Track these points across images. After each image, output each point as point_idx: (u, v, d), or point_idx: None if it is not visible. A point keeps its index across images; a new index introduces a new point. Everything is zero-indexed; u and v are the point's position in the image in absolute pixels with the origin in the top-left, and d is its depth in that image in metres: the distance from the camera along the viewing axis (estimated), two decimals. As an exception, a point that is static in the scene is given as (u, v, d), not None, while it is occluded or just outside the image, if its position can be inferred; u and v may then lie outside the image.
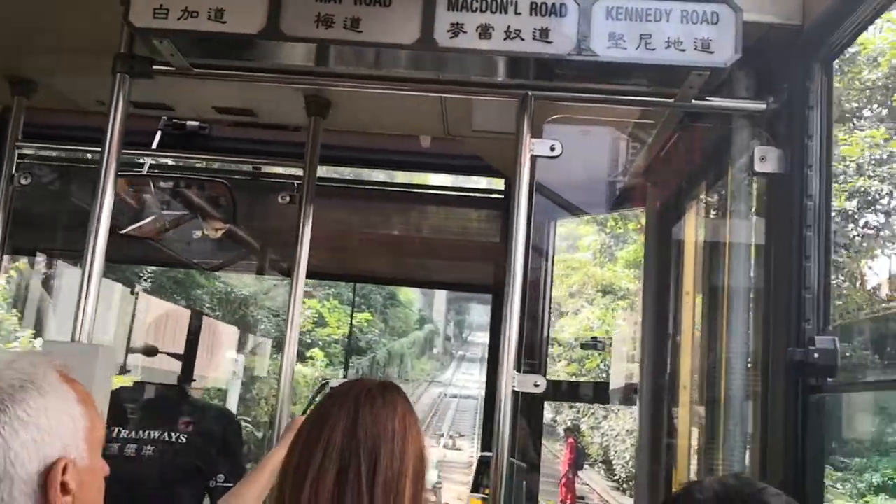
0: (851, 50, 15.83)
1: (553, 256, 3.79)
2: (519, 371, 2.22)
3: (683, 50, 2.07)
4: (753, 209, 2.31)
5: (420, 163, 3.73)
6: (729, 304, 2.36)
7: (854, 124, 16.46)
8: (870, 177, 15.42)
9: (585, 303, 24.81)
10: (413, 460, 1.61)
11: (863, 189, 15.44)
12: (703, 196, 2.70)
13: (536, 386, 2.16)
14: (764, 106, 2.21)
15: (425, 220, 3.79)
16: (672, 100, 2.22)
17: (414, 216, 3.79)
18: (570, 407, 23.32)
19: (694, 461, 2.57)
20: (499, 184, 3.85)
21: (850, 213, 15.80)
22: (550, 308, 3.72)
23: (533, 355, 3.61)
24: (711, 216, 2.64)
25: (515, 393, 2.28)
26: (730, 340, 2.35)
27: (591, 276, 25.49)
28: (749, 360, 2.27)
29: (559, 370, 22.87)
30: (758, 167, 2.18)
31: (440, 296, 44.06)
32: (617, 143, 3.23)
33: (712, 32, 2.07)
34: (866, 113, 16.71)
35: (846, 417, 15.91)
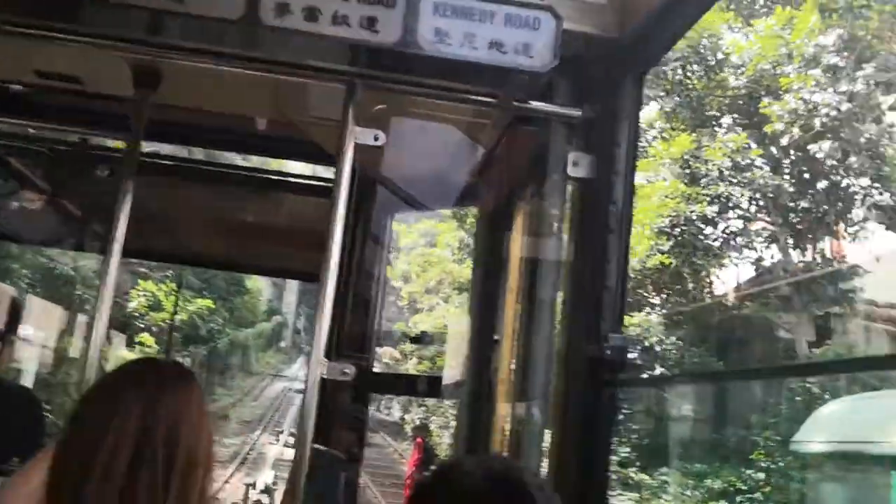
0: (719, 56, 17.06)
1: (388, 249, 3.91)
2: (339, 360, 2.32)
3: (505, 52, 2.23)
4: (567, 212, 2.51)
5: (254, 145, 3.73)
6: (541, 303, 2.56)
7: (716, 131, 17.75)
8: (731, 183, 16.69)
9: (441, 300, 25.33)
10: (207, 451, 1.63)
11: (724, 195, 16.68)
12: (528, 198, 2.90)
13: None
14: (579, 113, 2.41)
15: (256, 204, 3.79)
16: (495, 100, 2.39)
17: (244, 200, 3.78)
18: (420, 405, 23.73)
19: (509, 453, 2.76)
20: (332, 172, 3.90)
21: (711, 217, 17.07)
22: (383, 300, 3.83)
23: (361, 346, 3.71)
24: (533, 218, 2.83)
25: (336, 382, 2.37)
26: (539, 337, 2.54)
27: (449, 273, 26.08)
28: (555, 356, 2.48)
29: (410, 367, 23.19)
30: (571, 171, 2.38)
31: (291, 287, 43.39)
32: (455, 141, 3.37)
33: (533, 37, 2.24)
34: (726, 121, 18.02)
35: (694, 423, 17.24)
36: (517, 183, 2.98)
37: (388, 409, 26.58)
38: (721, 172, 16.63)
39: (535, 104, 2.43)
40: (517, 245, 2.99)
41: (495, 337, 3.07)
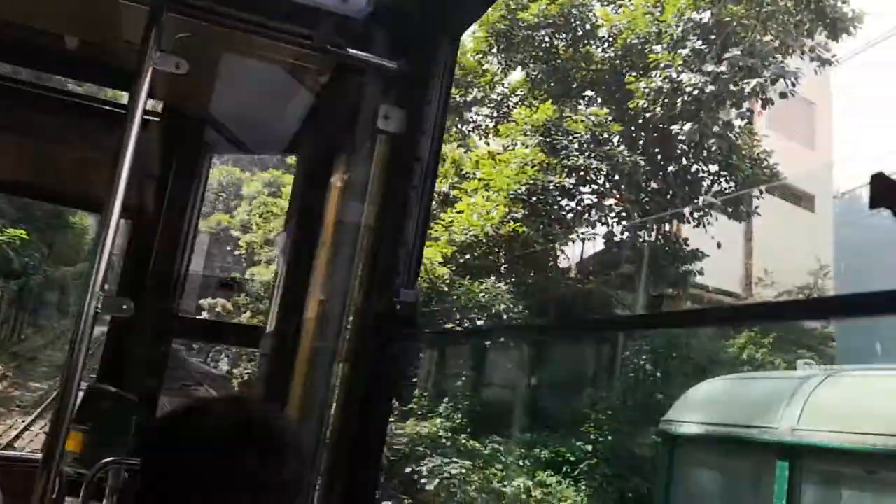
0: (587, 27, 17.53)
1: (203, 189, 3.86)
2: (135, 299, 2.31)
3: (319, -7, 2.26)
4: (377, 165, 2.59)
5: (62, 65, 3.57)
6: (342, 256, 2.64)
7: (579, 103, 18.31)
8: (589, 156, 17.27)
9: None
10: None
11: (583, 167, 17.23)
12: (345, 149, 2.95)
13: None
14: (395, 66, 2.49)
15: (58, 129, 3.62)
16: (309, 42, 2.41)
17: (49, 124, 3.60)
18: (250, 360, 23.49)
19: (297, 405, 2.84)
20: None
21: (568, 188, 17.64)
22: (193, 242, 3.79)
23: (166, 288, 3.67)
24: (346, 170, 2.90)
25: (133, 323, 2.34)
26: (338, 291, 2.63)
27: (292, 225, 25.67)
28: (352, 309, 2.57)
29: (244, 320, 22.87)
30: (381, 124, 2.45)
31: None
32: (281, 86, 3.36)
33: (349, -18, 2.29)
34: (590, 93, 18.59)
35: (526, 391, 18.02)
36: (338, 133, 3.02)
37: (216, 362, 26.11)
38: (581, 145, 17.15)
39: (351, 52, 2.47)
40: (334, 196, 3.04)
41: (305, 286, 3.12)
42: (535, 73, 18.06)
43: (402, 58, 2.49)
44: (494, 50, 17.76)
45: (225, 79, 3.29)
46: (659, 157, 18.17)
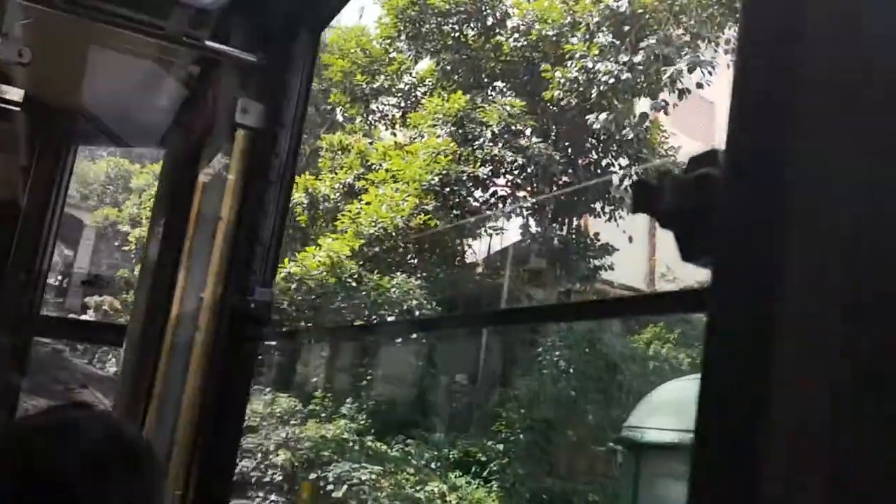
0: (498, 16, 17.68)
1: (68, 181, 3.81)
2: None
3: (169, -18, 2.29)
4: (236, 160, 2.63)
5: None
6: (201, 253, 2.67)
7: (490, 93, 18.46)
8: (503, 147, 17.41)
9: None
10: None
11: (498, 158, 17.35)
12: (210, 144, 2.98)
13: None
14: (254, 59, 2.54)
15: None
16: (161, 31, 2.44)
17: None
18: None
19: (154, 405, 2.86)
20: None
21: (482, 179, 17.76)
22: (56, 237, 3.74)
23: (26, 284, 3.62)
24: (210, 164, 2.93)
25: None
26: (197, 287, 2.66)
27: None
28: (211, 306, 2.61)
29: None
30: (239, 118, 2.49)
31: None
32: (150, 78, 3.36)
33: (202, -28, 2.32)
34: (501, 84, 18.76)
35: (438, 391, 18.14)
36: (203, 127, 3.05)
37: (103, 363, 25.39)
38: (495, 135, 17.25)
39: (208, 44, 2.51)
40: (196, 192, 3.07)
41: (168, 283, 3.14)
42: (445, 62, 18.11)
43: (261, 51, 2.55)
44: (403, 37, 17.74)
45: (89, 69, 3.27)
46: (571, 149, 18.52)
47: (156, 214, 3.53)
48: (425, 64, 18.59)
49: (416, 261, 19.45)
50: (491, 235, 18.38)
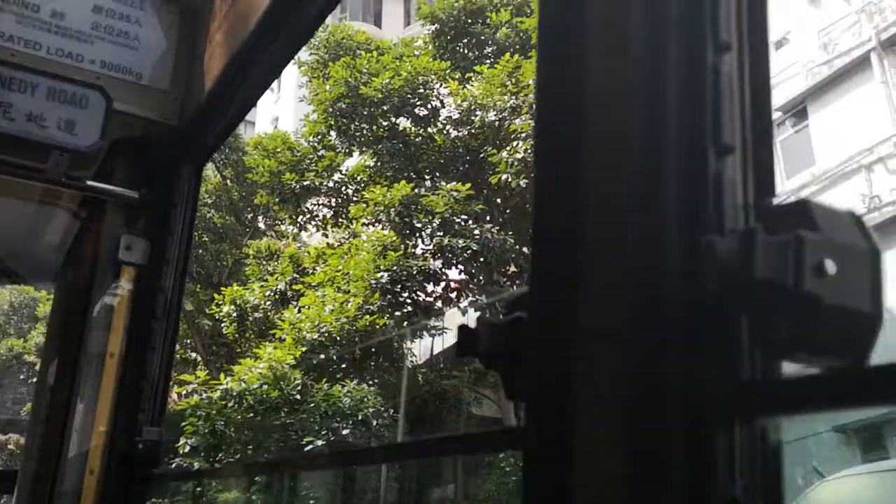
0: (434, 104, 18.15)
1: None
2: None
3: (45, 126, 2.51)
4: (122, 296, 2.81)
5: None
6: (89, 393, 2.82)
7: (434, 181, 18.79)
8: (453, 235, 17.56)
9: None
10: None
11: (448, 245, 17.45)
12: (95, 279, 3.16)
13: None
14: (137, 196, 2.75)
15: None
16: (39, 174, 2.64)
17: None
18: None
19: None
20: None
21: (434, 271, 17.82)
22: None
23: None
24: (97, 300, 3.10)
25: None
26: (86, 428, 2.80)
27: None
28: (100, 447, 2.74)
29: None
30: (123, 256, 2.69)
31: None
32: (37, 216, 3.57)
33: (78, 115, 2.55)
34: (439, 174, 19.13)
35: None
36: (90, 264, 3.23)
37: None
38: (443, 223, 17.34)
39: (90, 183, 2.72)
40: (86, 329, 3.23)
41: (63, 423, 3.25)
42: (381, 154, 18.44)
43: (144, 187, 2.76)
44: (333, 132, 18.16)
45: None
46: (525, 233, 18.81)
47: (47, 351, 3.67)
48: (358, 158, 18.94)
49: (365, 365, 19.33)
50: (433, 335, 18.36)
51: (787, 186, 18.87)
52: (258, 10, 2.27)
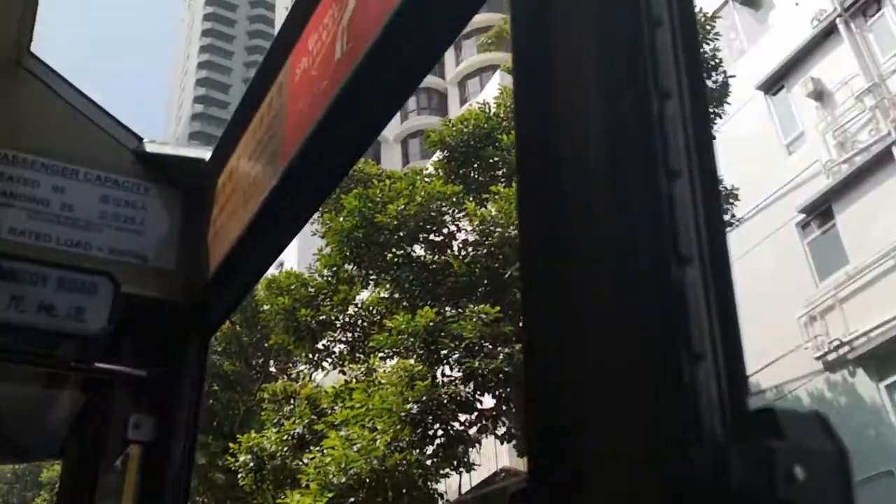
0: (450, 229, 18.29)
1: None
2: None
3: (56, 315, 2.73)
4: (131, 473, 2.97)
5: None
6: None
7: (457, 305, 18.76)
8: (483, 357, 17.36)
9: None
10: None
11: (479, 370, 17.19)
12: (103, 456, 3.33)
13: None
14: (144, 374, 2.95)
15: None
16: (49, 360, 2.86)
17: None
18: None
19: None
20: None
21: (466, 398, 17.53)
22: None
23: None
24: (106, 477, 3.26)
25: None
26: None
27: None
28: None
29: None
30: (132, 435, 2.86)
31: None
32: (45, 398, 3.78)
33: (87, 301, 2.77)
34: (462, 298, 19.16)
35: None
36: (98, 442, 3.40)
37: None
38: (471, 347, 17.07)
39: (98, 365, 2.93)
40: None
41: None
42: (400, 281, 18.50)
43: (152, 365, 2.96)
44: (349, 264, 18.40)
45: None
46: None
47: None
48: (372, 291, 19.10)
49: (399, 504, 18.89)
50: (460, 472, 18.05)
51: (821, 287, 18.90)
52: (262, 191, 2.51)
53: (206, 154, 3.02)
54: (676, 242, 0.92)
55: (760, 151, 20.91)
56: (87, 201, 2.89)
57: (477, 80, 43.79)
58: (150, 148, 3.02)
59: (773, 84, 21.98)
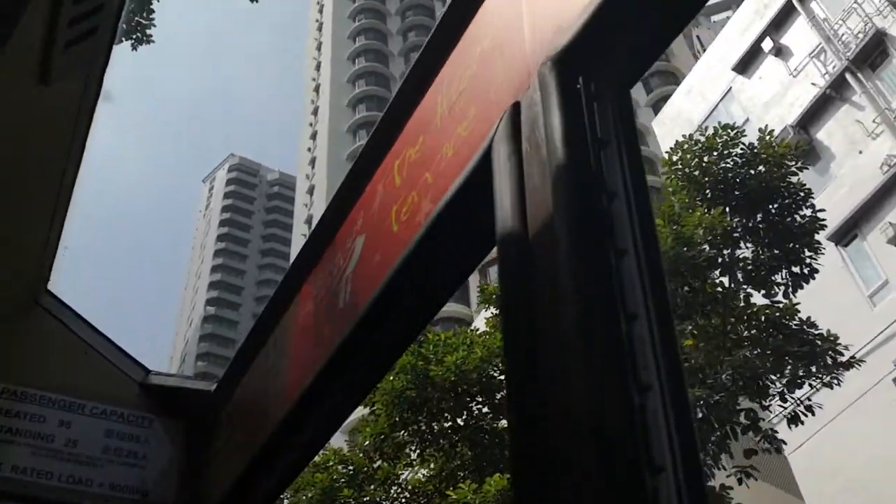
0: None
1: None
2: None
3: None
4: None
5: None
6: None
7: None
8: None
9: None
10: None
11: None
12: None
13: None
14: None
15: None
16: None
17: None
18: None
19: None
20: None
21: None
22: None
23: None
24: None
25: None
26: None
27: None
28: None
29: None
30: None
31: None
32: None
33: None
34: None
35: None
36: None
37: None
38: None
39: None
40: None
41: None
42: (460, 449, 18.47)
43: None
44: (399, 431, 18.38)
45: None
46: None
47: None
48: (416, 468, 19.03)
49: None
50: None
51: None
52: (267, 430, 2.83)
53: (210, 387, 3.40)
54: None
55: (837, 303, 20.66)
56: (92, 436, 3.24)
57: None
58: (155, 380, 3.41)
59: (845, 234, 22.11)
